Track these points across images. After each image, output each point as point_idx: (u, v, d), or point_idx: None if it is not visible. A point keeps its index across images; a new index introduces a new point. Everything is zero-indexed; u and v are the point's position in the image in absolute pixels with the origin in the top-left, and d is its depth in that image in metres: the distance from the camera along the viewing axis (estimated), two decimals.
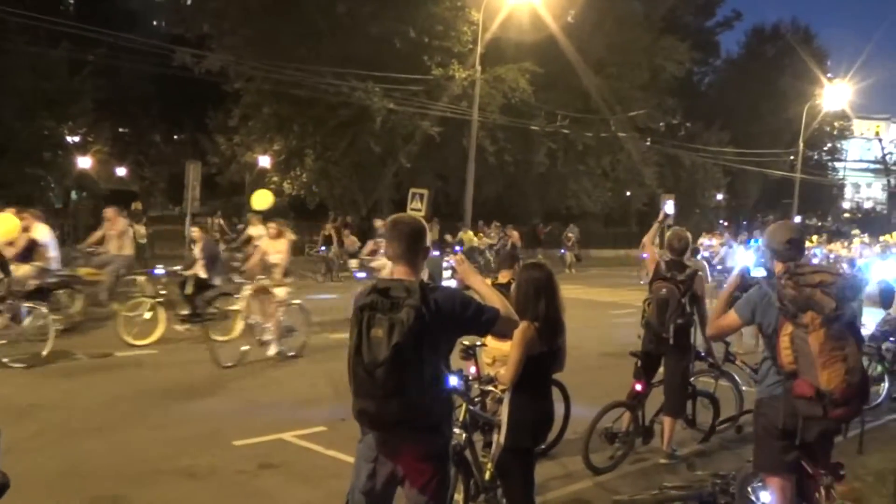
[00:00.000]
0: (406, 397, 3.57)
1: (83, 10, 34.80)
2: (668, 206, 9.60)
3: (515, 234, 28.86)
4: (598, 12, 35.20)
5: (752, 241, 22.50)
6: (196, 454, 7.09)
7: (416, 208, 26.37)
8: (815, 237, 32.26)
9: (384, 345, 3.49)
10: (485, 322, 3.83)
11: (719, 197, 54.86)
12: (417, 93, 29.59)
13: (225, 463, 6.93)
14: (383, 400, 3.57)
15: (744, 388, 8.94)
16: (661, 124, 44.40)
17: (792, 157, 50.01)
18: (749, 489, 6.16)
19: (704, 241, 25.11)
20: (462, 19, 30.22)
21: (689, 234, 8.06)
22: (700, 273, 7.64)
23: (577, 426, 7.51)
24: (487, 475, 5.50)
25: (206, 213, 27.79)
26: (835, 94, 49.82)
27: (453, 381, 5.26)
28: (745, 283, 5.17)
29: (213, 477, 6.62)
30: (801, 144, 47.54)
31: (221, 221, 25.08)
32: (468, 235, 27.83)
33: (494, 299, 3.96)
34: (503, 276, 7.05)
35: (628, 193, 44.91)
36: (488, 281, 7.14)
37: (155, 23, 51.20)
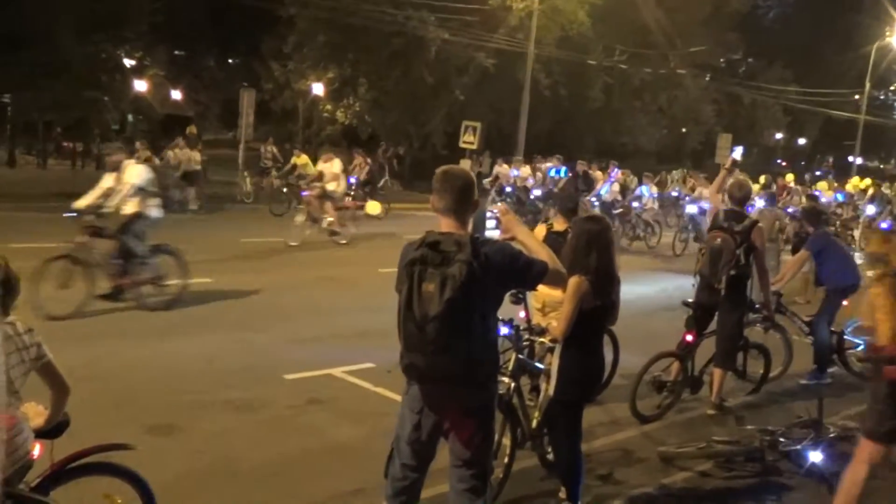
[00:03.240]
0: (456, 352, 3.57)
1: None
2: (737, 153, 9.33)
3: (598, 173, 24.23)
4: None
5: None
6: (247, 387, 7.23)
7: (469, 141, 26.19)
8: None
9: (436, 300, 3.48)
10: (534, 276, 3.80)
11: (778, 136, 53.55)
12: (473, 23, 29.06)
13: (275, 397, 7.06)
14: (434, 355, 3.58)
15: (794, 338, 8.86)
16: (721, 60, 43.21)
17: (857, 97, 48.38)
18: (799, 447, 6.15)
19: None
20: None
21: (750, 183, 7.88)
22: (759, 224, 7.47)
23: (626, 373, 7.52)
24: (534, 423, 5.54)
25: (258, 140, 27.93)
26: None
27: (503, 330, 5.27)
28: None
29: (263, 410, 6.75)
30: (868, 84, 45.90)
31: (274, 148, 25.12)
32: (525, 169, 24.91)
33: (541, 251, 3.92)
34: (559, 224, 6.96)
35: (684, 130, 44.04)
36: (542, 228, 7.11)
37: None
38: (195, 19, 35.44)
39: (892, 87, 62.35)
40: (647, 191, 20.41)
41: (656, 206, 20.88)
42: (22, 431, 3.40)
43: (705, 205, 16.32)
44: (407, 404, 3.89)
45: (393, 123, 32.22)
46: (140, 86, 30.43)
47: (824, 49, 51.72)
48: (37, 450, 3.53)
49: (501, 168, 22.93)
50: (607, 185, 20.54)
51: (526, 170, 23.11)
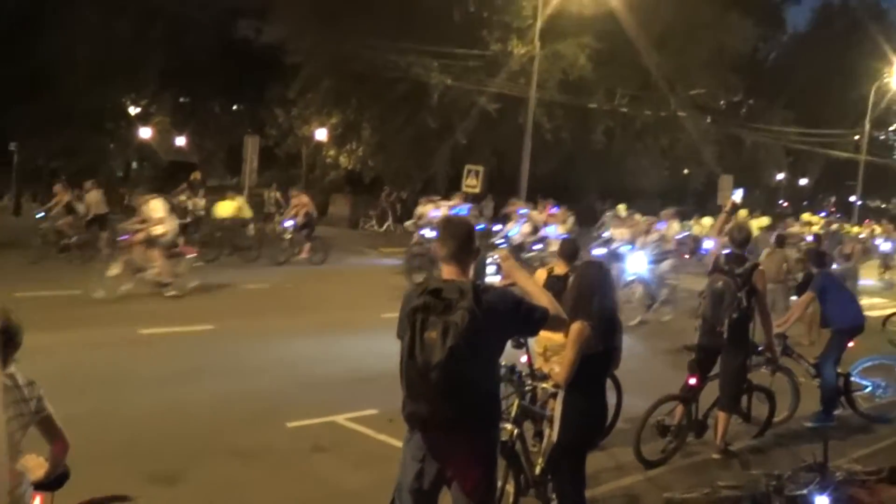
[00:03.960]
0: (460, 400, 3.57)
1: None
2: (737, 195, 9.43)
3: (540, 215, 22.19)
4: None
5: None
6: (250, 434, 7.21)
7: (472, 185, 26.32)
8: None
9: (439, 347, 3.48)
10: (535, 322, 3.83)
11: (780, 177, 53.71)
12: (475, 68, 29.38)
13: (278, 444, 7.04)
14: (437, 403, 3.58)
15: (801, 381, 8.82)
16: (722, 102, 43.49)
17: (857, 138, 48.62)
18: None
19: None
20: None
21: (751, 226, 7.91)
22: (760, 267, 7.48)
23: (629, 417, 7.48)
24: (538, 469, 5.51)
25: (262, 185, 28.10)
26: None
27: (505, 376, 5.27)
28: None
29: (267, 458, 6.72)
30: (868, 124, 46.16)
31: (277, 194, 25.26)
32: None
33: (542, 297, 3.94)
34: (559, 268, 6.99)
35: (686, 171, 44.20)
36: (543, 272, 7.13)
37: None
38: (200, 66, 35.84)
39: (891, 128, 62.66)
40: (554, 231, 18.28)
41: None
42: (21, 484, 3.39)
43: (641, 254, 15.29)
44: (409, 452, 3.87)
45: (396, 167, 32.43)
46: (145, 133, 30.75)
47: (824, 90, 52.06)
48: (37, 502, 3.51)
49: (423, 208, 20.65)
50: (517, 227, 18.75)
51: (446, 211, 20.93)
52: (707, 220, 24.72)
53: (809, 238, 19.34)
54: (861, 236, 29.64)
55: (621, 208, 22.92)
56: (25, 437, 3.39)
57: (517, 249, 17.59)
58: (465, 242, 3.81)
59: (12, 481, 3.29)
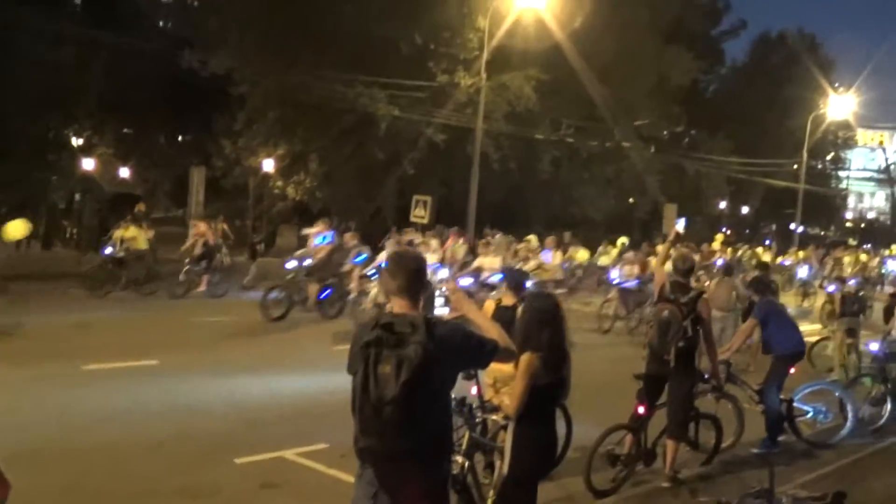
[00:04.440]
0: (413, 434, 3.56)
1: (89, 9, 34.71)
2: (680, 225, 9.59)
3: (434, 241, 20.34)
4: (604, 20, 35.10)
5: None
6: (197, 472, 7.08)
7: (420, 215, 26.40)
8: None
9: (392, 382, 3.47)
10: (487, 355, 3.86)
11: (722, 205, 54.82)
12: (422, 99, 29.56)
13: (226, 482, 6.92)
14: (390, 437, 3.55)
15: (746, 407, 8.96)
16: (665, 132, 44.36)
17: (795, 167, 49.96)
18: None
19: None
20: (468, 26, 30.17)
21: (694, 257, 8.05)
22: (704, 296, 7.61)
23: (579, 447, 7.51)
24: (490, 502, 5.50)
25: (209, 217, 27.80)
26: (839, 103, 49.73)
27: (456, 409, 5.27)
28: None
29: (216, 496, 6.62)
30: (805, 154, 47.45)
31: (224, 225, 25.02)
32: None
33: (491, 329, 3.96)
34: (507, 299, 7.03)
35: (631, 201, 44.90)
36: (491, 303, 7.17)
37: (161, 23, 51.20)
38: (145, 97, 35.46)
39: (828, 157, 64.48)
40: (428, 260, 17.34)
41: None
42: None
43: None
44: (360, 489, 3.82)
45: (344, 198, 32.37)
46: (88, 164, 30.23)
47: (764, 120, 53.40)
48: None
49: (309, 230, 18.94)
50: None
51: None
52: (614, 251, 24.06)
53: (719, 262, 19.29)
54: (786, 263, 29.86)
55: (533, 238, 22.21)
56: None
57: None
58: (414, 276, 3.81)
59: None
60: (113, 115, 32.00)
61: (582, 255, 22.14)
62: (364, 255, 16.62)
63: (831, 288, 16.98)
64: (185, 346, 12.48)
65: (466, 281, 15.50)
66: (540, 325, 4.88)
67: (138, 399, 9.36)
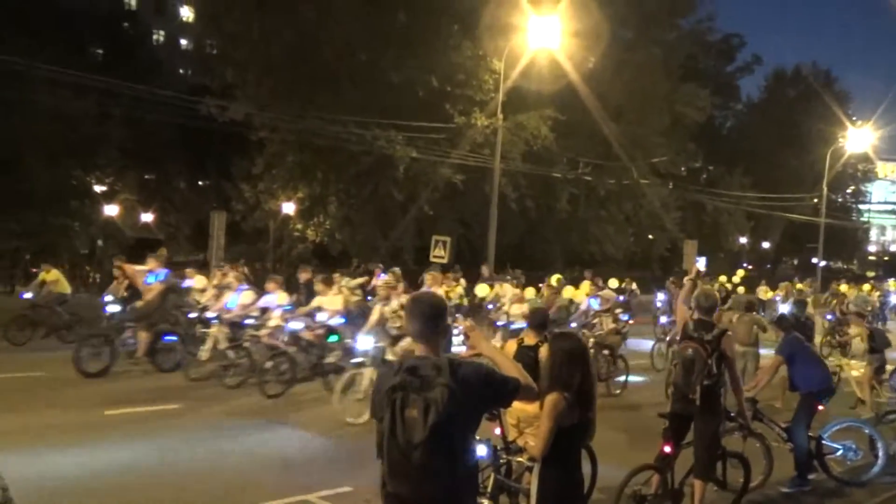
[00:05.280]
0: (442, 477, 3.52)
1: (109, 60, 35.42)
2: (700, 263, 9.58)
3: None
4: (618, 60, 35.41)
5: None
6: None
7: (439, 255, 26.40)
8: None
9: (420, 425, 3.44)
10: (509, 394, 3.80)
11: (743, 241, 54.63)
12: (439, 141, 29.79)
13: None
14: (420, 481, 3.51)
15: (774, 445, 8.82)
16: (682, 169, 44.40)
17: (815, 201, 49.75)
18: None
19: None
20: (483, 68, 30.50)
21: (717, 294, 7.99)
22: (728, 333, 7.54)
23: (605, 487, 7.41)
24: None
25: (230, 260, 27.97)
26: (858, 136, 49.47)
27: (481, 450, 5.23)
28: None
29: None
30: (825, 188, 47.28)
31: (245, 269, 25.15)
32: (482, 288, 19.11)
33: (510, 367, 3.91)
34: (529, 338, 7.00)
35: (650, 237, 44.83)
36: (513, 343, 7.14)
37: (181, 71, 52.09)
38: (165, 144, 36.01)
39: (848, 191, 64.21)
40: (274, 301, 13.71)
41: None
42: None
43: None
44: None
45: (362, 239, 32.52)
46: (110, 210, 30.62)
47: (781, 155, 53.39)
48: None
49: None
50: (235, 295, 14.25)
51: (201, 280, 16.91)
52: (571, 289, 18.32)
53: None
54: (776, 299, 28.98)
55: (393, 274, 17.18)
56: None
57: (233, 326, 13.50)
58: (430, 320, 3.77)
59: None
60: (134, 161, 32.49)
61: (482, 289, 18.30)
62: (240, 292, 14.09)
63: (829, 316, 16.97)
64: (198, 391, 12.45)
65: (297, 324, 12.94)
66: (567, 365, 4.84)
67: (160, 443, 9.34)
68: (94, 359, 12.88)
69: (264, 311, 13.45)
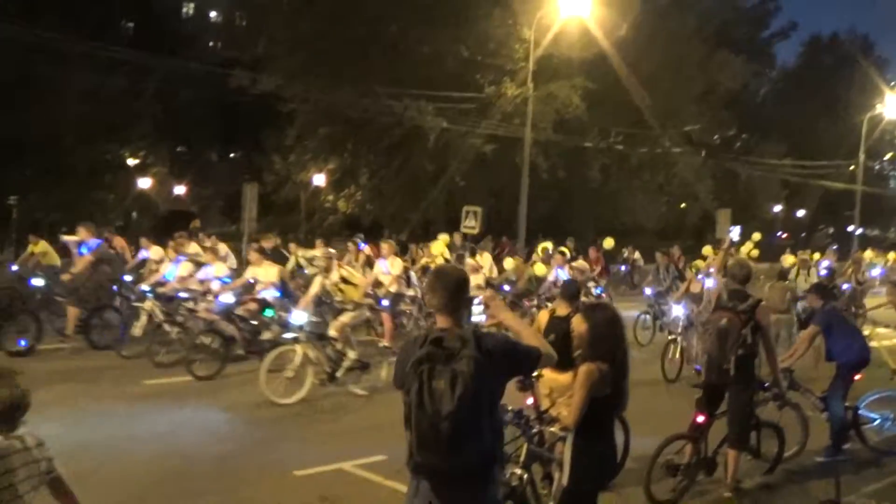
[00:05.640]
0: (471, 447, 3.59)
1: (140, 36, 35.58)
2: (733, 233, 9.45)
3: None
4: (650, 27, 34.89)
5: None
6: (259, 484, 7.15)
7: (470, 226, 26.36)
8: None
9: (447, 397, 3.51)
10: (531, 363, 3.92)
11: (777, 209, 53.92)
12: (470, 111, 29.65)
13: (286, 494, 6.98)
14: (449, 452, 3.57)
15: (809, 414, 8.77)
16: (715, 137, 43.84)
17: (852, 168, 48.93)
18: None
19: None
20: (514, 37, 30.24)
21: (751, 264, 7.91)
22: (763, 303, 7.47)
23: (638, 457, 7.42)
24: None
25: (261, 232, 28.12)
26: None
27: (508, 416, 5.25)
28: None
29: None
30: (862, 155, 46.44)
31: (278, 240, 25.26)
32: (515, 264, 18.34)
33: (530, 336, 4.01)
34: (562, 309, 6.99)
35: (683, 206, 44.42)
36: (545, 313, 7.13)
37: (211, 44, 52.17)
38: (196, 116, 36.18)
39: (885, 158, 63.07)
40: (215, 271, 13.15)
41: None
42: None
43: None
44: (416, 502, 3.82)
45: (393, 211, 32.56)
46: (144, 183, 30.92)
47: (817, 122, 52.52)
48: None
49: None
50: (173, 267, 13.26)
51: (157, 251, 14.92)
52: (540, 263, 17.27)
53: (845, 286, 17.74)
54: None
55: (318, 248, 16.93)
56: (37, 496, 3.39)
57: (167, 300, 12.54)
58: (454, 293, 3.83)
59: None
60: (166, 134, 32.71)
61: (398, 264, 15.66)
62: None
63: (844, 286, 16.62)
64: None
65: (228, 298, 12.15)
66: (601, 336, 4.85)
67: (195, 414, 9.49)
68: (18, 336, 11.85)
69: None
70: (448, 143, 30.08)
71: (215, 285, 12.56)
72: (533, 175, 29.89)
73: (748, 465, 7.88)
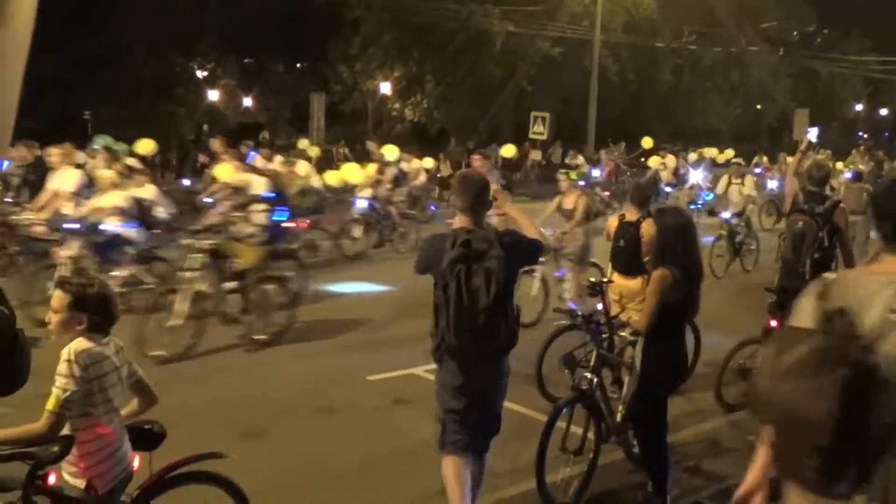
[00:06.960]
0: (500, 332, 4.20)
1: None
2: (812, 134, 9.13)
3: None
4: None
5: None
6: (332, 390, 7.36)
7: (538, 132, 26.08)
8: None
9: (483, 292, 4.09)
10: (537, 254, 4.56)
11: (858, 108, 51.88)
12: (537, 13, 28.96)
13: (359, 398, 7.18)
14: (484, 338, 4.18)
15: None
16: (794, 34, 42.04)
17: None
18: None
19: None
20: None
21: (829, 164, 7.66)
22: (841, 205, 7.26)
23: (710, 362, 7.40)
24: (619, 417, 5.50)
25: (330, 141, 28.26)
26: None
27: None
28: None
29: (349, 412, 6.87)
30: None
31: (346, 150, 25.44)
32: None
33: (530, 228, 4.57)
34: (631, 214, 6.89)
35: (759, 108, 43.06)
36: (615, 219, 7.06)
37: None
38: (262, 28, 36.05)
39: None
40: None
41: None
42: (122, 445, 3.54)
43: None
44: (446, 381, 4.38)
45: (460, 118, 32.30)
46: (213, 96, 31.17)
47: None
48: (136, 462, 3.67)
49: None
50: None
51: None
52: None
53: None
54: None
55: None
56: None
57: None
58: (478, 195, 4.33)
59: (115, 442, 3.47)
60: (233, 47, 32.73)
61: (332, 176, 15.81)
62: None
63: None
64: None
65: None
66: (674, 241, 4.79)
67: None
68: None
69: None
70: (515, 47, 29.51)
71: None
72: (602, 78, 29.25)
73: None
